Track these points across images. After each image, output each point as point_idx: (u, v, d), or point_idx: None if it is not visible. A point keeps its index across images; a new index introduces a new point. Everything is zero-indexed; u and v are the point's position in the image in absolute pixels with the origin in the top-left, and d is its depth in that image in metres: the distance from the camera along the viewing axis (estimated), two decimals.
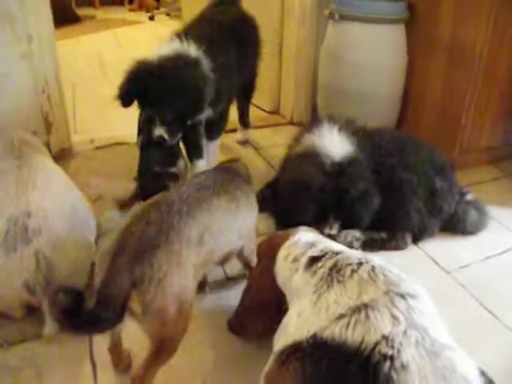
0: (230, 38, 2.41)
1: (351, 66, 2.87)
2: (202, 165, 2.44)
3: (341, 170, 2.01)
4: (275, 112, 3.60)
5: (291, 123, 3.45)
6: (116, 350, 1.52)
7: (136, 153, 2.45)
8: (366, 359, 0.97)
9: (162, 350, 1.35)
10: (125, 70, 2.09)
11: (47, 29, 2.57)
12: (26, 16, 2.44)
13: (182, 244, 1.35)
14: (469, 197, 2.29)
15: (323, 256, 1.28)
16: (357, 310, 1.07)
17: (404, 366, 0.94)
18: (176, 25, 5.63)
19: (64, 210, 1.80)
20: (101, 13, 7.24)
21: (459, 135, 2.72)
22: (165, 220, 1.36)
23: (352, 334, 1.02)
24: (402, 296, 1.08)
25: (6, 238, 1.63)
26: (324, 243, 1.38)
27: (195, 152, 2.44)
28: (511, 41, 2.58)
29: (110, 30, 6.24)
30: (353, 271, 1.18)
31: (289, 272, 1.36)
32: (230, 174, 1.72)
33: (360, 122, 2.54)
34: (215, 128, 2.50)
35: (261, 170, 2.79)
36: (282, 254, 1.42)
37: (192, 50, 2.13)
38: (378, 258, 1.25)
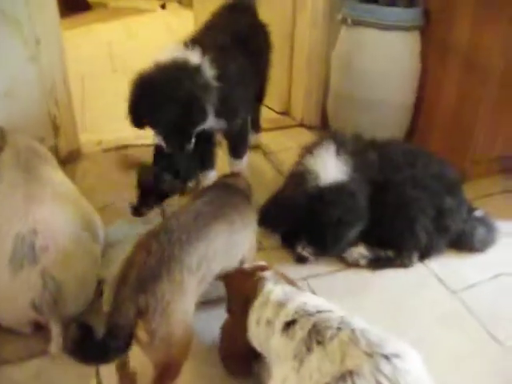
0: (244, 48, 2.35)
1: (363, 72, 2.84)
2: (212, 176, 2.42)
3: (320, 194, 2.02)
4: (285, 113, 3.56)
5: (301, 125, 3.41)
6: (123, 368, 1.54)
7: (144, 155, 2.46)
8: None
9: (166, 375, 1.39)
10: (129, 85, 2.06)
11: (55, 32, 2.55)
12: (33, 19, 2.43)
13: (183, 272, 1.39)
14: (477, 213, 2.26)
15: (298, 319, 1.27)
16: (341, 378, 1.05)
17: None
18: (187, 14, 5.59)
19: (71, 226, 1.81)
20: (111, 0, 7.18)
21: (471, 145, 2.67)
22: (165, 249, 1.39)
23: None
24: (387, 357, 1.06)
25: (13, 256, 1.64)
26: (294, 301, 1.34)
27: (206, 162, 2.42)
28: None
29: (120, 19, 6.19)
30: (333, 335, 1.16)
31: (264, 336, 1.36)
32: (228, 193, 1.74)
33: (370, 129, 2.52)
34: (237, 144, 2.45)
35: (269, 177, 2.78)
36: (252, 317, 1.41)
37: (193, 57, 2.06)
38: (358, 320, 1.22)
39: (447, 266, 2.15)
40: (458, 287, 2.04)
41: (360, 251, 2.11)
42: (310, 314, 1.27)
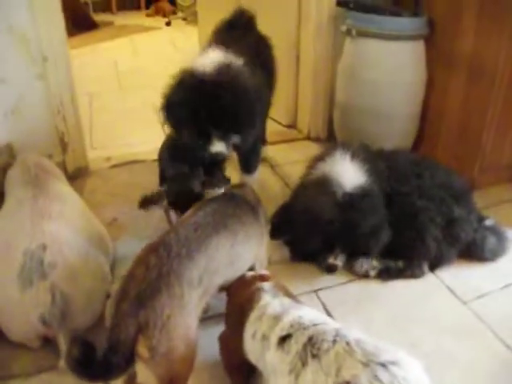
0: (257, 61, 2.32)
1: (369, 83, 2.84)
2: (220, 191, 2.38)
3: (352, 201, 1.97)
4: (292, 126, 3.57)
5: (308, 138, 3.41)
6: (130, 383, 1.53)
7: (153, 171, 2.46)
8: None
9: None
10: (169, 86, 1.96)
11: (62, 49, 2.57)
12: (40, 36, 2.46)
13: (183, 286, 1.37)
14: (488, 222, 2.23)
15: (294, 332, 1.25)
16: None
17: None
18: (192, 31, 5.66)
19: (80, 242, 1.81)
20: (118, 18, 7.29)
21: (479, 154, 2.66)
22: (164, 264, 1.37)
23: None
24: (384, 365, 1.04)
25: (22, 272, 1.64)
26: (290, 315, 1.32)
27: (215, 177, 2.38)
28: None
29: (126, 36, 6.27)
30: (328, 347, 1.14)
31: (260, 350, 1.34)
32: (233, 204, 1.71)
33: (377, 140, 2.52)
34: (249, 159, 2.42)
35: (276, 190, 2.78)
36: (248, 331, 1.40)
37: (238, 61, 2.02)
38: (354, 331, 1.20)
39: (458, 275, 2.13)
40: (469, 297, 2.01)
41: (370, 262, 2.08)
42: (305, 328, 1.24)
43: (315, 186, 2.09)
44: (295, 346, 1.21)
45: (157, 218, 2.37)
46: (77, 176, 2.78)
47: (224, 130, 1.96)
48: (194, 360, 1.42)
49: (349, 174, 2.05)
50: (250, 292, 1.48)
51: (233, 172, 2.51)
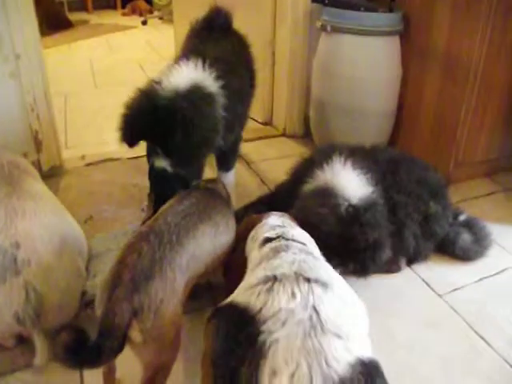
0: (240, 64, 2.34)
1: (344, 79, 2.85)
2: None
3: (356, 214, 1.86)
4: (268, 123, 3.58)
5: (284, 135, 3.42)
6: (110, 375, 1.52)
7: (128, 169, 2.44)
8: (254, 328, 1.06)
9: (157, 376, 1.38)
10: (129, 101, 1.95)
11: (35, 47, 2.53)
12: (12, 35, 2.43)
13: (176, 271, 1.39)
14: (461, 217, 2.26)
15: (275, 238, 1.43)
16: (265, 280, 1.18)
17: (277, 341, 1.01)
18: (169, 30, 5.64)
19: (54, 239, 1.78)
20: (94, 17, 7.24)
21: (454, 149, 2.69)
22: (156, 250, 1.39)
23: (255, 302, 1.12)
24: (308, 280, 1.17)
25: None
26: (284, 228, 1.50)
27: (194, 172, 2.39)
28: (508, 53, 2.55)
29: (102, 35, 6.23)
30: (285, 254, 1.31)
31: (250, 248, 1.51)
32: (212, 197, 1.75)
33: (353, 136, 2.53)
34: (227, 158, 2.41)
35: (252, 187, 2.77)
36: (251, 234, 1.57)
37: (209, 81, 1.99)
38: (320, 257, 1.40)
39: (434, 269, 2.15)
40: (445, 290, 2.03)
41: None
42: (286, 238, 1.43)
43: (316, 196, 1.97)
44: (267, 249, 1.39)
45: (132, 216, 2.37)
46: (52, 174, 2.75)
47: (166, 151, 1.95)
48: (179, 347, 1.43)
49: (355, 185, 1.95)
50: (260, 215, 1.66)
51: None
